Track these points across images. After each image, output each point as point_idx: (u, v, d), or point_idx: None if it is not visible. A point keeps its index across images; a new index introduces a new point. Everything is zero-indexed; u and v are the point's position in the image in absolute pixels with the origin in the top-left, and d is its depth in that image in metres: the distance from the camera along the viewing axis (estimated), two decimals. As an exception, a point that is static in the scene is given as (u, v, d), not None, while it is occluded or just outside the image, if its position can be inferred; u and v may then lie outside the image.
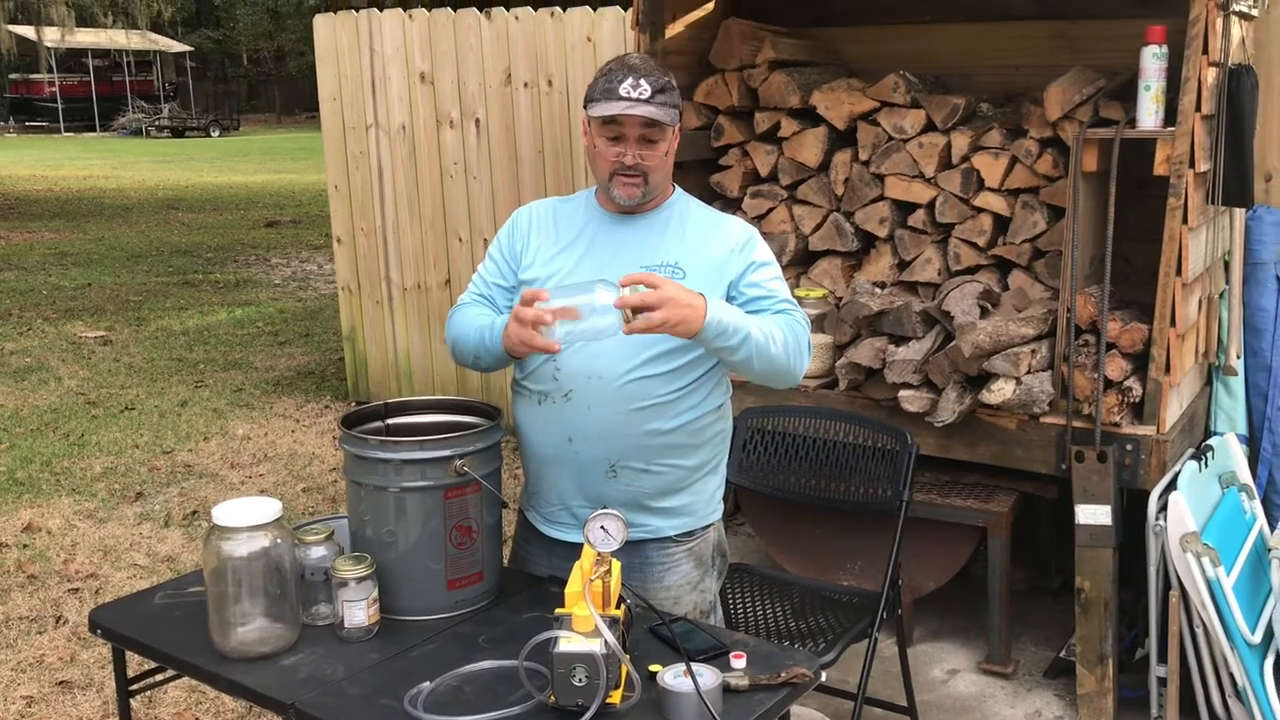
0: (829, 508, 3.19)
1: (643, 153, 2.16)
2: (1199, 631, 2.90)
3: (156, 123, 33.60)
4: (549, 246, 2.28)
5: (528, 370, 2.25)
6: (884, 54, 4.02)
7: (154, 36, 36.72)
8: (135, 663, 2.25)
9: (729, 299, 2.21)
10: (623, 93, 2.11)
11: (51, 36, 29.97)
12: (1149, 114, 3.10)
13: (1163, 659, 2.96)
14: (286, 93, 41.96)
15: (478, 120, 5.38)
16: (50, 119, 34.48)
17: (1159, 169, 3.04)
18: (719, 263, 2.22)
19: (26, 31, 29.80)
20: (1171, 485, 3.01)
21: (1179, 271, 3.04)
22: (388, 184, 5.74)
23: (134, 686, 2.27)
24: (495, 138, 5.35)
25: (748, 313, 2.19)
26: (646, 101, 2.11)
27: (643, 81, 2.12)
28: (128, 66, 37.23)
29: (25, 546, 4.38)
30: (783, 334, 2.14)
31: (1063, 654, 3.39)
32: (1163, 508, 2.95)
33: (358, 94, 5.72)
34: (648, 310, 1.96)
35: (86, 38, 34.27)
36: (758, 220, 3.91)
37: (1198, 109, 2.97)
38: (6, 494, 4.92)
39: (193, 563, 4.10)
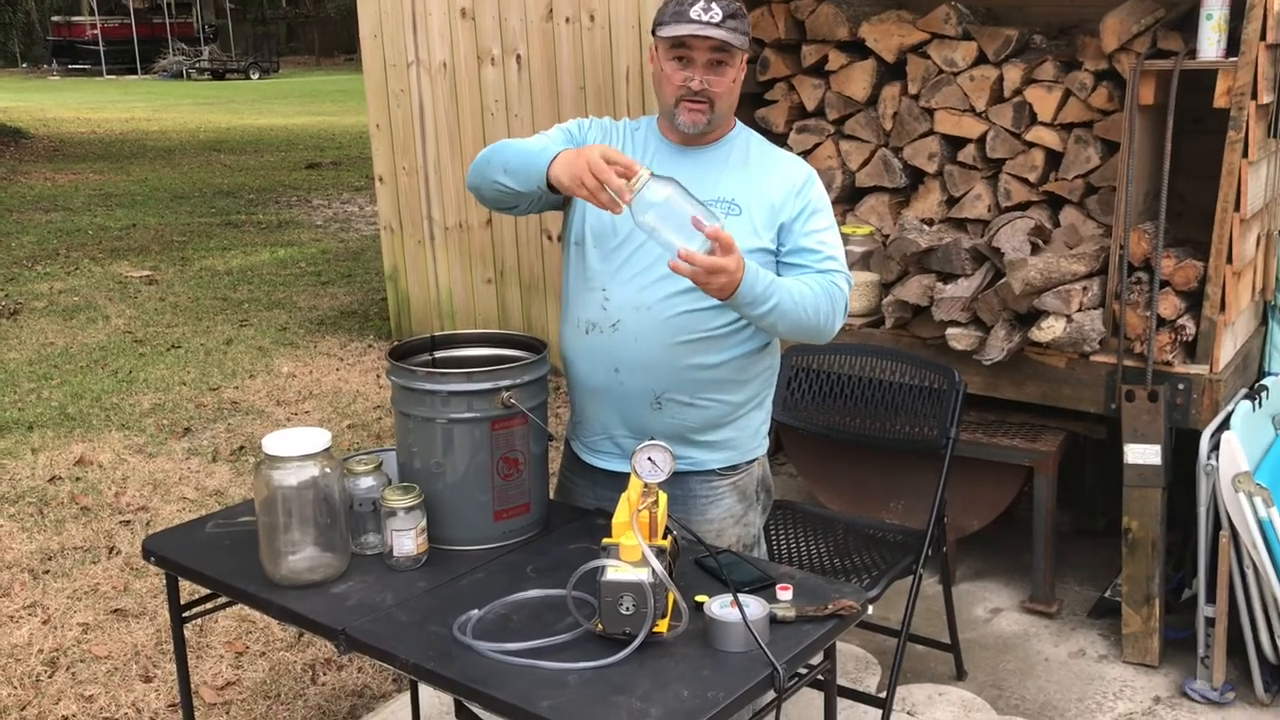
0: (872, 446, 3.17)
1: (710, 78, 2.12)
2: (1249, 572, 2.87)
3: (197, 65, 33.65)
4: None
5: (572, 302, 2.25)
6: (934, -15, 3.92)
7: (193, -22, 36.70)
8: (186, 592, 2.29)
9: (779, 242, 2.19)
10: (693, 15, 2.07)
11: (93, -22, 30.04)
12: (1210, 44, 3.01)
13: (1211, 599, 2.94)
14: (325, 34, 41.81)
15: (519, 56, 5.33)
16: (92, 61, 34.60)
17: (1219, 101, 2.95)
18: (775, 204, 2.18)
19: (68, -27, 29.87)
20: (1224, 425, 2.96)
21: (1237, 207, 2.97)
22: (429, 122, 5.72)
23: (187, 614, 2.31)
24: (537, 74, 5.30)
25: (791, 263, 2.17)
26: (717, 25, 2.07)
27: (714, 5, 2.08)
28: (168, 9, 37.22)
29: (78, 479, 4.47)
30: (815, 297, 2.11)
31: (1108, 594, 3.37)
32: (1214, 447, 2.91)
33: (398, 31, 5.68)
34: (714, 269, 1.92)
35: (127, -21, 34.34)
36: (804, 156, 3.85)
37: (1262, 38, 2.88)
38: (59, 429, 5.01)
39: (240, 496, 4.16)
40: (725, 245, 1.92)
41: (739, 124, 2.28)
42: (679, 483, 2.22)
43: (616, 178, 1.94)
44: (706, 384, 2.20)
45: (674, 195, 1.92)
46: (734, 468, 2.31)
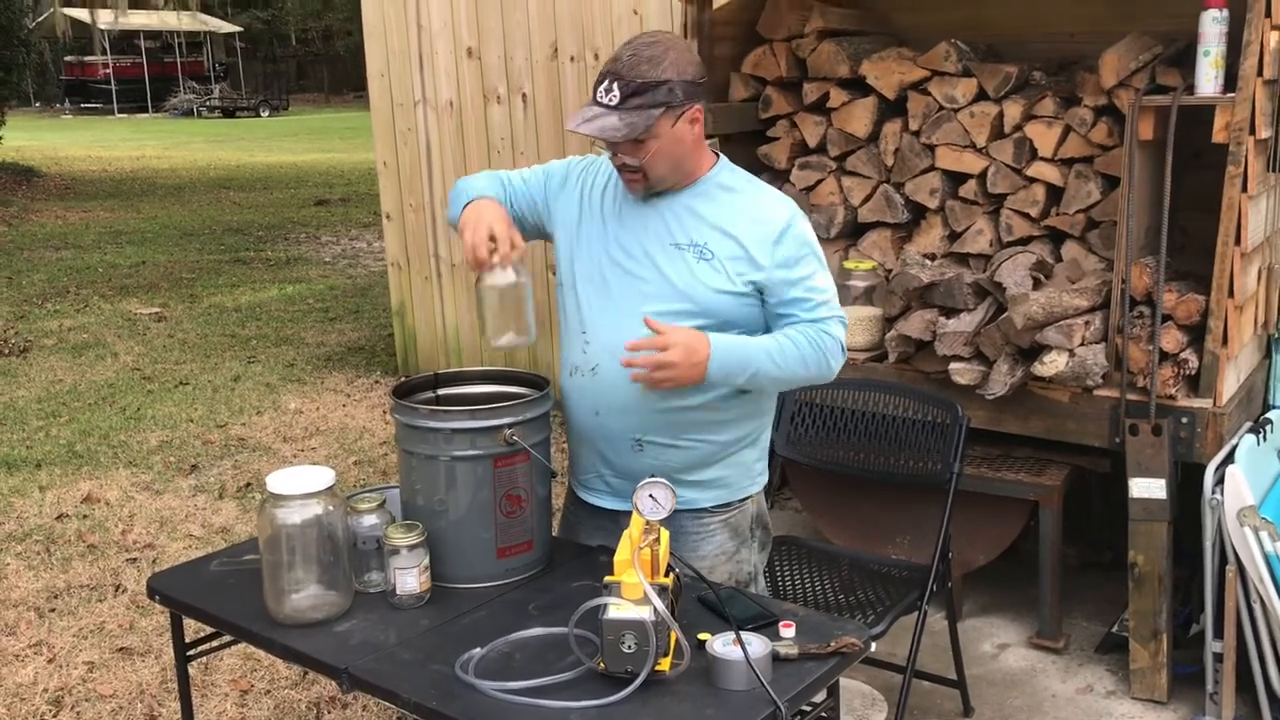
0: (877, 481, 3.17)
1: (627, 152, 2.11)
2: (1256, 607, 2.86)
3: (207, 103, 33.98)
4: (574, 210, 2.27)
5: (563, 343, 2.28)
6: (934, 22, 3.96)
7: (204, 17, 37.07)
8: (191, 630, 2.29)
9: (769, 295, 2.15)
10: (597, 95, 2.08)
11: (105, 19, 30.36)
12: (1208, 80, 3.04)
13: (1219, 634, 2.92)
14: (334, 72, 42.21)
15: (524, 95, 5.38)
16: (104, 100, 34.98)
17: (1218, 136, 2.97)
18: (749, 253, 2.13)
19: (81, 14, 30.22)
20: (1229, 459, 2.96)
21: (1238, 241, 2.98)
22: (435, 160, 5.76)
23: (191, 652, 2.31)
24: (542, 112, 5.35)
25: (780, 314, 2.15)
26: (615, 108, 2.05)
27: (615, 85, 2.05)
28: (179, 48, 37.65)
29: (85, 517, 4.48)
30: (799, 352, 2.11)
31: (1115, 629, 3.35)
32: (1219, 481, 2.91)
33: (405, 70, 5.74)
34: (658, 365, 2.04)
35: (138, 19, 34.69)
36: (806, 192, 3.88)
37: (1259, 74, 2.90)
38: (66, 466, 5.02)
39: (247, 534, 4.16)
40: (661, 348, 2.02)
41: (721, 160, 2.23)
42: (670, 520, 2.20)
43: (485, 247, 2.10)
44: (687, 425, 2.19)
45: (514, 291, 2.13)
46: (726, 505, 2.29)
